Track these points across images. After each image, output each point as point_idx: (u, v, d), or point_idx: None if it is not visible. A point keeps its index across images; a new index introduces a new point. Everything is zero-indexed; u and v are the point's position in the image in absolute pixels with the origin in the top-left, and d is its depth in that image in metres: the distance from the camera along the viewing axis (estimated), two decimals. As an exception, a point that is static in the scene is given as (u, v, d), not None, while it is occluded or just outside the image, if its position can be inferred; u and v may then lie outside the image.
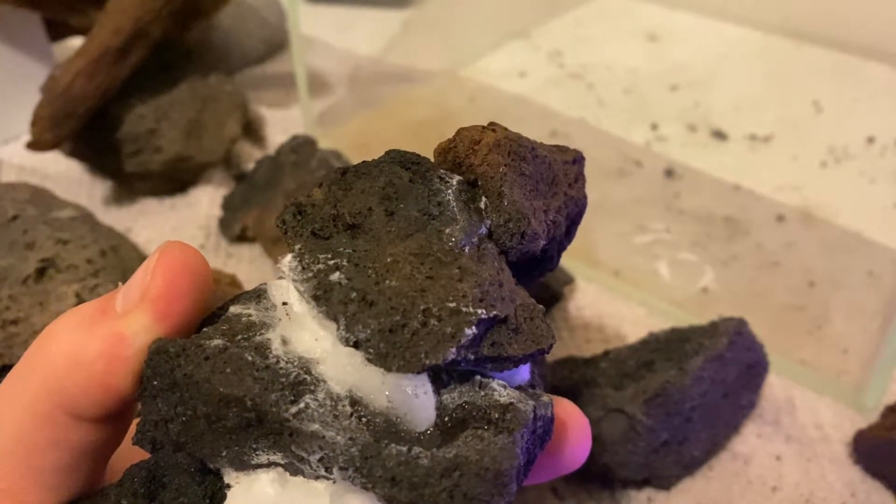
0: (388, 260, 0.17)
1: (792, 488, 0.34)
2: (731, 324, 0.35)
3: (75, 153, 0.50)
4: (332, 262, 0.17)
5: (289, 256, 0.18)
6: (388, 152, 0.19)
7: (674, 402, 0.32)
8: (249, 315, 0.18)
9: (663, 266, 0.47)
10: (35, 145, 0.45)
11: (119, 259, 0.38)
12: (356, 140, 0.59)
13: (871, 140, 0.58)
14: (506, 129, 0.20)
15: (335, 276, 0.17)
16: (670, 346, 0.35)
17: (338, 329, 0.16)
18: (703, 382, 0.33)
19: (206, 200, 0.51)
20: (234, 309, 0.18)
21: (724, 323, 0.35)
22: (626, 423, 0.32)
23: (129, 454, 0.19)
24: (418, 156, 0.19)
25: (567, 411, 0.20)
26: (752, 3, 0.73)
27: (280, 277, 0.18)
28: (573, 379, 0.35)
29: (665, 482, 0.34)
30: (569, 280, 0.45)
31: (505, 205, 0.19)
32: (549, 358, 0.38)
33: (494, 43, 0.73)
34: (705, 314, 0.41)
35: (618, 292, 0.45)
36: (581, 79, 0.68)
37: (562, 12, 0.79)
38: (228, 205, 0.49)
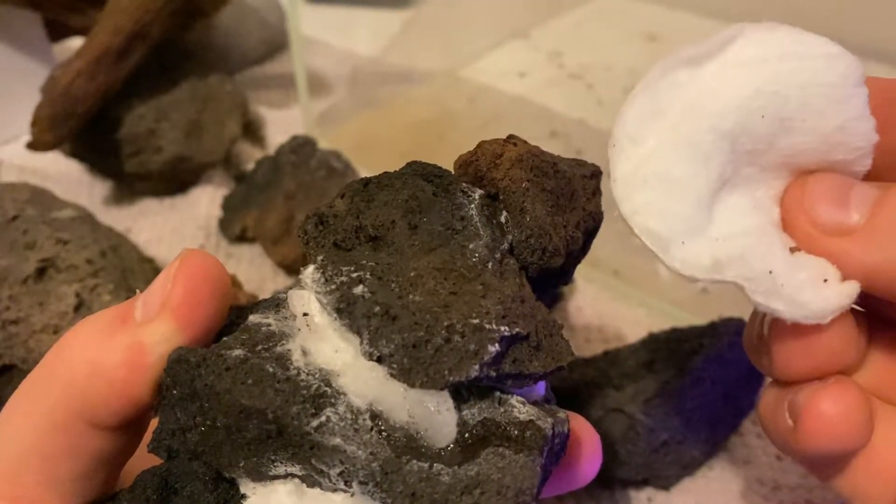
0: (412, 274, 0.17)
1: (792, 489, 0.34)
2: (731, 324, 0.35)
3: (75, 153, 0.50)
4: (355, 275, 0.17)
5: (311, 268, 0.18)
6: (409, 164, 0.19)
7: (674, 402, 0.32)
8: (269, 325, 0.18)
9: (663, 266, 0.47)
10: (35, 145, 0.45)
11: (119, 259, 0.38)
12: (356, 140, 0.59)
13: (870, 140, 0.58)
14: (526, 142, 0.20)
15: (358, 290, 0.17)
16: (670, 346, 0.35)
17: (361, 343, 0.16)
18: (703, 383, 0.33)
19: (206, 200, 0.51)
20: (253, 318, 0.18)
21: (724, 323, 0.35)
22: (626, 423, 0.32)
23: (142, 460, 0.19)
24: (440, 168, 0.19)
25: (580, 427, 0.20)
26: (752, 3, 0.73)
27: (300, 287, 0.18)
28: (573, 379, 0.35)
29: (665, 482, 0.34)
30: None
31: (527, 220, 0.19)
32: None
33: (494, 43, 0.73)
34: (705, 314, 0.41)
35: (617, 292, 0.45)
36: (581, 79, 0.68)
37: (562, 12, 0.79)
38: (228, 205, 0.49)
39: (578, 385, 0.35)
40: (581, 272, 0.46)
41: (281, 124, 0.60)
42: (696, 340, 0.34)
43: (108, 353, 0.17)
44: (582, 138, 0.59)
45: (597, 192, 0.22)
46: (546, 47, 0.73)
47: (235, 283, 0.41)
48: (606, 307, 0.44)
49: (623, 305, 0.44)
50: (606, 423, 0.33)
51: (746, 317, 0.36)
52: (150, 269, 0.41)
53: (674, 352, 0.34)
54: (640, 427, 0.32)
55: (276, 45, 0.71)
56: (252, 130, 0.59)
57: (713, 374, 0.33)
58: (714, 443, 0.35)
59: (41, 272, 0.35)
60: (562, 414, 0.18)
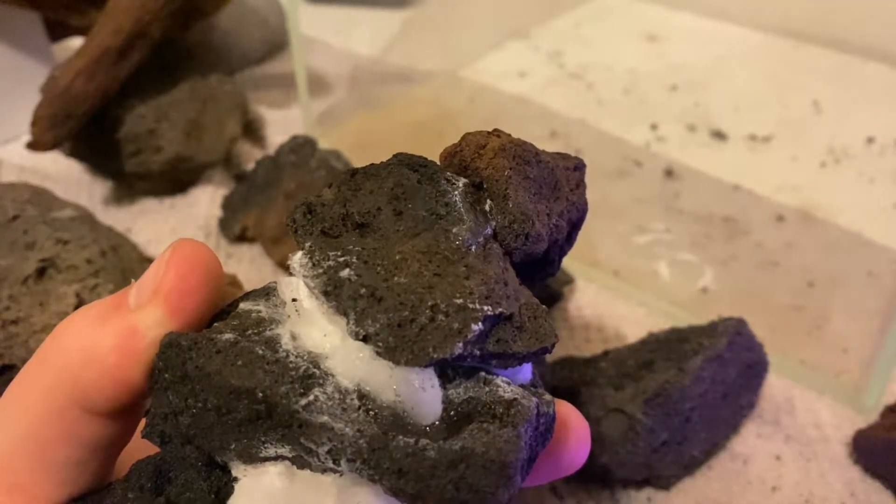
0: (397, 257, 0.17)
1: (792, 488, 0.34)
2: (730, 324, 0.35)
3: (75, 153, 0.50)
4: (341, 260, 0.17)
5: (299, 254, 0.18)
6: (395, 155, 0.20)
7: (673, 402, 0.32)
8: (259, 311, 0.18)
9: (663, 266, 0.47)
10: (35, 145, 0.45)
11: (119, 259, 0.38)
12: (356, 140, 0.59)
13: (870, 140, 0.58)
14: (509, 135, 0.20)
15: (345, 273, 0.17)
16: (670, 346, 0.35)
17: (347, 323, 0.17)
18: (703, 382, 0.33)
19: (206, 200, 0.51)
20: (243, 305, 0.18)
21: (723, 323, 0.36)
22: (626, 423, 0.32)
23: (137, 452, 0.19)
24: (425, 159, 0.20)
25: (567, 412, 0.21)
26: (752, 3, 0.73)
27: (290, 274, 0.19)
28: (573, 379, 0.35)
29: (665, 482, 0.34)
30: (569, 280, 0.45)
31: (510, 206, 0.19)
32: (549, 358, 0.38)
33: (494, 43, 0.73)
34: (705, 314, 0.41)
35: (618, 292, 0.45)
36: (581, 79, 0.68)
37: (562, 12, 0.79)
38: (228, 205, 0.49)
39: (578, 385, 0.35)
40: (581, 272, 0.46)
41: (281, 124, 0.60)
42: (696, 340, 0.34)
43: (102, 337, 0.17)
44: (582, 138, 0.59)
45: (581, 184, 0.23)
46: (546, 47, 0.73)
47: (235, 282, 0.41)
48: (606, 307, 0.44)
49: (623, 305, 0.44)
50: (606, 423, 0.33)
51: (746, 317, 0.36)
52: (149, 269, 0.41)
53: (674, 352, 0.34)
54: (640, 427, 0.32)
55: (276, 45, 0.71)
56: (252, 130, 0.59)
57: (713, 374, 0.33)
58: (714, 443, 0.35)
59: (41, 272, 0.35)
60: (547, 396, 0.19)
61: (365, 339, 0.17)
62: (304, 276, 0.18)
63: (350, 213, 0.18)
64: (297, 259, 0.18)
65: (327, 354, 0.17)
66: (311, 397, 0.16)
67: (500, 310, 0.17)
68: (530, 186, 0.20)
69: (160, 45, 0.49)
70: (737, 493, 0.34)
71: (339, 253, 0.18)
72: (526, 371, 0.19)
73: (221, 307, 0.19)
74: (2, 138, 0.57)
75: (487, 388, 0.18)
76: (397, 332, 0.16)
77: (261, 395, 0.16)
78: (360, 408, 0.16)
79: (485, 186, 0.19)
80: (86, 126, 0.47)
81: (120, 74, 0.47)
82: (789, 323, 0.43)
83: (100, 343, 0.17)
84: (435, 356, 0.16)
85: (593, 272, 0.46)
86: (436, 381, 0.17)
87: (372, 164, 0.19)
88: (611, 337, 0.42)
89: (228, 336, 0.17)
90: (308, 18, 0.63)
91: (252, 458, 0.17)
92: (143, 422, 0.18)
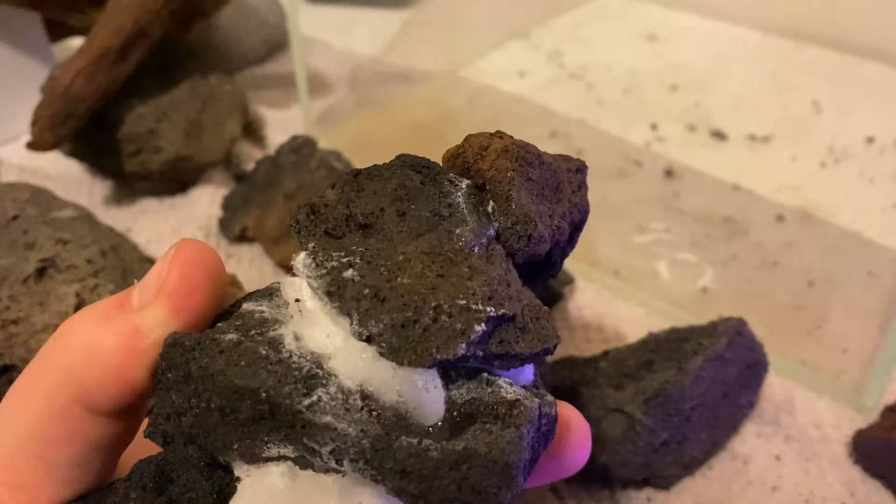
0: (400, 258, 0.17)
1: (791, 488, 0.34)
2: (730, 324, 0.35)
3: (75, 153, 0.50)
4: (345, 260, 0.18)
5: (302, 254, 0.18)
6: (398, 156, 0.20)
7: (673, 402, 0.32)
8: (262, 312, 0.18)
9: (663, 266, 0.47)
10: (35, 145, 0.45)
11: (119, 259, 0.38)
12: (356, 140, 0.59)
13: (870, 140, 0.58)
14: (512, 136, 0.21)
15: (348, 273, 0.17)
16: (670, 346, 0.35)
17: (351, 324, 0.17)
18: (703, 382, 0.33)
19: (206, 200, 0.51)
20: (246, 306, 0.18)
21: (723, 323, 0.36)
22: (626, 423, 0.32)
23: (139, 452, 0.19)
24: (428, 160, 0.20)
25: (569, 414, 0.21)
26: (752, 3, 0.73)
27: (293, 275, 0.19)
28: (573, 379, 0.35)
29: (665, 482, 0.34)
30: (569, 280, 0.45)
31: (513, 208, 0.19)
32: (550, 358, 0.38)
33: (494, 43, 0.73)
34: (705, 314, 0.41)
35: (617, 292, 0.45)
36: (581, 79, 0.68)
37: (562, 12, 0.79)
38: (228, 205, 0.49)
39: (578, 385, 0.35)
40: (581, 272, 0.46)
41: (281, 124, 0.60)
42: (695, 340, 0.34)
43: (105, 337, 0.17)
44: (582, 138, 0.59)
45: (582, 186, 0.23)
46: (546, 47, 0.73)
47: (235, 282, 0.41)
48: (606, 307, 0.44)
49: (623, 305, 0.44)
50: (606, 423, 0.33)
51: (746, 317, 0.36)
52: (149, 268, 0.41)
53: (674, 352, 0.34)
54: (640, 427, 0.32)
55: (276, 45, 0.71)
56: (252, 130, 0.59)
57: (713, 374, 0.33)
58: (714, 443, 0.35)
59: (41, 272, 0.35)
60: (549, 397, 0.19)
61: (368, 340, 0.17)
62: (308, 277, 0.18)
63: (353, 214, 0.19)
64: (301, 260, 0.18)
65: (330, 355, 0.17)
66: (315, 398, 0.16)
67: (503, 311, 0.17)
68: (533, 188, 0.20)
69: (160, 45, 0.49)
70: (737, 493, 0.34)
71: (342, 254, 0.18)
72: (528, 372, 0.19)
73: (224, 307, 0.19)
74: (2, 138, 0.57)
75: (490, 389, 0.18)
76: (400, 333, 0.16)
77: (264, 395, 0.16)
78: (363, 408, 0.17)
79: (487, 188, 0.19)
80: (86, 126, 0.47)
81: (120, 74, 0.47)
82: (789, 323, 0.43)
83: (103, 343, 0.17)
84: (438, 357, 0.16)
85: (593, 272, 0.46)
86: (439, 382, 0.17)
87: (375, 165, 0.20)
88: (611, 337, 0.42)
89: (232, 336, 0.17)
90: (308, 18, 0.63)
91: (255, 458, 0.17)
92: (145, 421, 0.18)
